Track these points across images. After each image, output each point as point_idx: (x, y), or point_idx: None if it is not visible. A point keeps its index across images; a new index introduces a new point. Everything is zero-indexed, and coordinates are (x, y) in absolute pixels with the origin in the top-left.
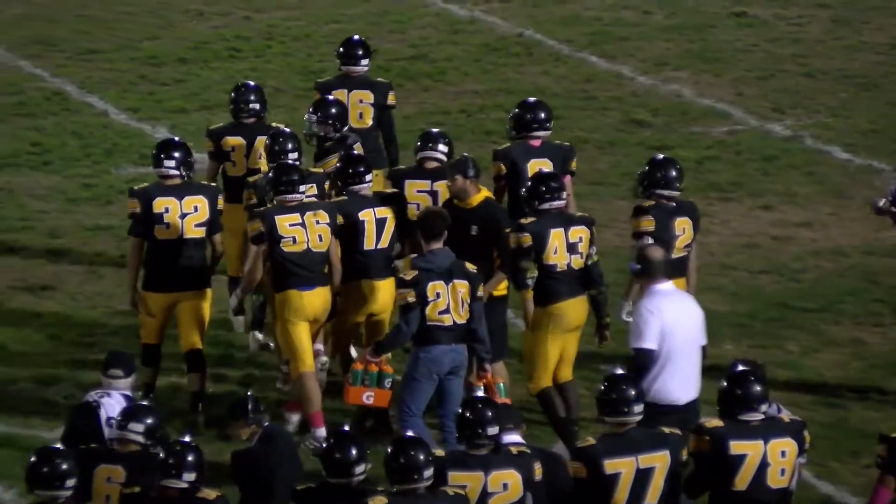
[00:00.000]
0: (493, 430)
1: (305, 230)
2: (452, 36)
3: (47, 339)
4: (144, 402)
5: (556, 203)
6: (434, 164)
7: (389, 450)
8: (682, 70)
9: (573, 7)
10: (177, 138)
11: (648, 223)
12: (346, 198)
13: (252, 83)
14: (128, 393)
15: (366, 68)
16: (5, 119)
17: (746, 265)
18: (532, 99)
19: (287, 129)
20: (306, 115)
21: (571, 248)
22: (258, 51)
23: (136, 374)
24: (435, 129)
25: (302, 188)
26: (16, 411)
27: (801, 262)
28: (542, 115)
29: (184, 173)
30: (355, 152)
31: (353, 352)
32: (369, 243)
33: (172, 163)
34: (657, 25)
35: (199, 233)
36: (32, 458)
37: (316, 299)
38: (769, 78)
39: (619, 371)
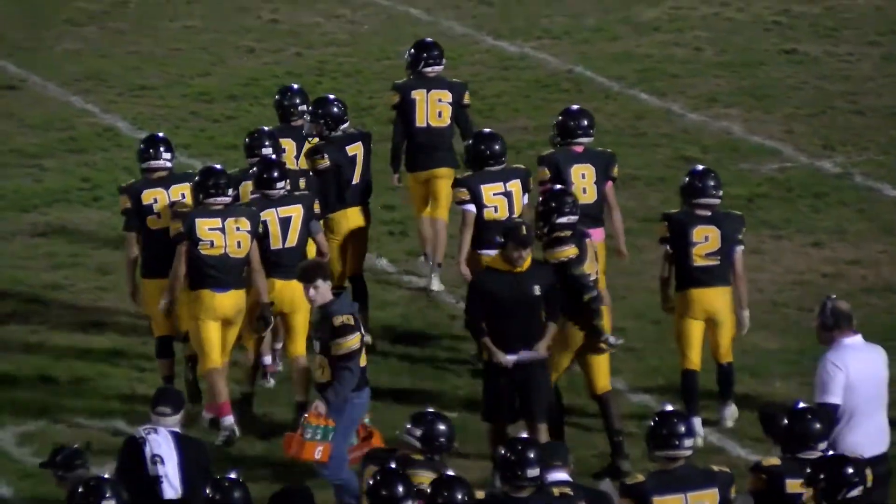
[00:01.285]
0: (533, 472)
1: (224, 235)
2: (503, 72)
3: (98, 375)
4: None
5: (572, 217)
6: (501, 166)
7: (432, 488)
8: (732, 107)
9: (624, 44)
10: (161, 133)
11: (664, 229)
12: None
13: (297, 86)
14: (176, 430)
15: (442, 68)
16: (56, 154)
17: (797, 302)
18: (575, 106)
19: (265, 129)
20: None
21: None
22: (309, 87)
23: (184, 410)
24: (487, 130)
25: (230, 192)
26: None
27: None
28: (585, 122)
29: (171, 166)
30: (272, 157)
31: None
32: (275, 243)
33: (168, 155)
34: (708, 62)
35: None
36: (79, 489)
37: (227, 301)
38: (819, 115)
39: (669, 407)
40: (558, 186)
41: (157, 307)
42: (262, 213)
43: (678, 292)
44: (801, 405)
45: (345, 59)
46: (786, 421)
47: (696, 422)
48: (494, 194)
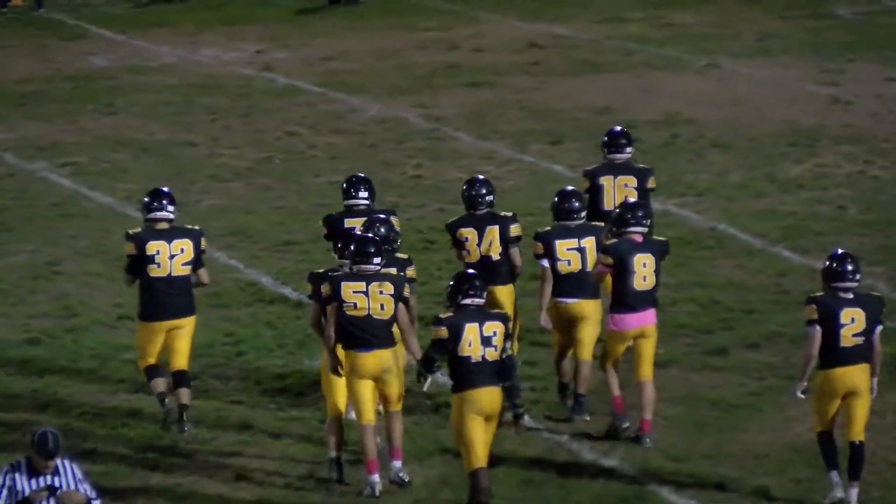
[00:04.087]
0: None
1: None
2: None
3: None
4: None
5: (477, 300)
6: (578, 222)
7: None
8: (877, 265)
9: (768, 201)
10: (166, 188)
11: (811, 311)
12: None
13: (482, 177)
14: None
15: (629, 155)
16: (200, 309)
17: None
18: (632, 200)
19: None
20: None
21: (486, 341)
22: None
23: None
24: (569, 188)
25: (171, 209)
26: None
27: None
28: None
29: (174, 218)
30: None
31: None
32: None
33: (172, 208)
34: (852, 220)
35: (186, 270)
36: None
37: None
38: None
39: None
40: (470, 271)
41: (144, 345)
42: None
43: (822, 370)
44: None
45: None
46: None
47: (835, 475)
48: (568, 249)
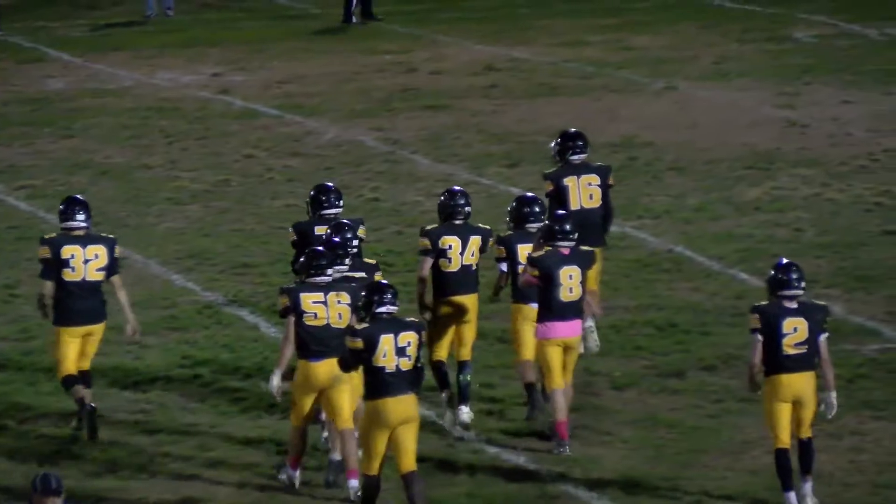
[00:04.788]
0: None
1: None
2: (604, 252)
3: None
4: None
5: (391, 309)
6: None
7: None
8: (833, 287)
9: (726, 224)
10: (80, 196)
11: (754, 320)
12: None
13: (460, 188)
14: None
15: (587, 155)
16: (158, 332)
17: None
18: (561, 211)
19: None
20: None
21: (400, 351)
22: (412, 264)
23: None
24: (530, 194)
25: (81, 217)
26: None
27: None
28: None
29: (89, 226)
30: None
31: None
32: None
33: (83, 216)
34: (809, 243)
35: (100, 276)
36: None
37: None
38: None
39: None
40: (383, 281)
41: (63, 351)
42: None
43: (767, 377)
44: None
45: None
46: None
47: (791, 496)
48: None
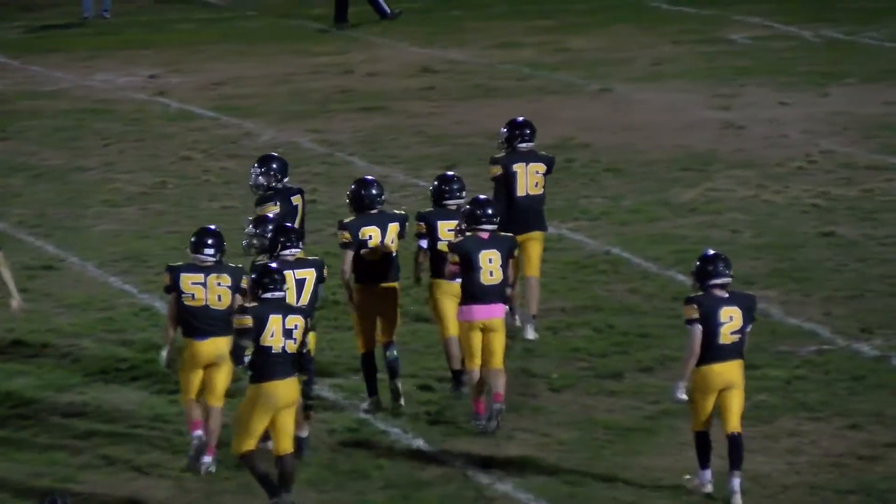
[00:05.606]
0: None
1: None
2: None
3: None
4: None
5: (277, 294)
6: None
7: None
8: (770, 289)
9: (662, 226)
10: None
11: (692, 311)
12: None
13: (371, 178)
14: None
15: (534, 144)
16: (95, 334)
17: (834, 485)
18: (483, 196)
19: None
20: (251, 169)
21: (287, 333)
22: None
23: None
24: (450, 173)
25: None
26: None
27: (889, 483)
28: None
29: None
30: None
31: None
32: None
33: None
34: (746, 244)
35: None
36: None
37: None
38: (858, 298)
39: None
40: (272, 265)
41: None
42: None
43: (698, 367)
44: None
45: None
46: None
47: (707, 474)
48: (449, 230)
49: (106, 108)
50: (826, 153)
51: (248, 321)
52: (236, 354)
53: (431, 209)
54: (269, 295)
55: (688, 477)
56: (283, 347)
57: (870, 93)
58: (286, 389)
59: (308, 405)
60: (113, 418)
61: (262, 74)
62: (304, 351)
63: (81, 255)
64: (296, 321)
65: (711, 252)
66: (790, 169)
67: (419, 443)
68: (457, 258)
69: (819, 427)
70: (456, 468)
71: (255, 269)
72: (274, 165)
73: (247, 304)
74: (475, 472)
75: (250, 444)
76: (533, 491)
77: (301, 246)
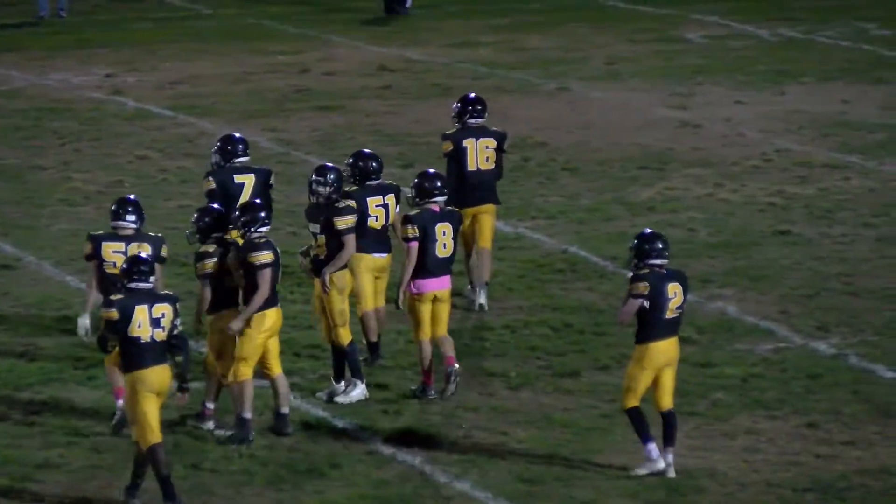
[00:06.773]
0: None
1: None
2: (497, 252)
3: None
4: None
5: (143, 285)
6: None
7: None
8: (726, 287)
9: (619, 224)
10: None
11: (644, 287)
12: None
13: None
14: None
15: (485, 119)
16: (52, 334)
17: (791, 483)
18: (431, 170)
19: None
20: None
21: (155, 322)
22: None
23: None
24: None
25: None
26: None
27: (846, 481)
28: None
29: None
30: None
31: None
32: None
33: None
34: (702, 243)
35: None
36: None
37: None
38: (814, 296)
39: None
40: (142, 254)
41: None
42: None
43: (642, 344)
44: None
45: None
46: None
47: (652, 447)
48: (377, 206)
49: (62, 108)
50: (782, 152)
51: (114, 314)
52: (102, 344)
53: (356, 188)
54: (134, 285)
55: (637, 470)
56: (152, 336)
57: (826, 91)
58: (158, 376)
59: (183, 387)
60: (70, 417)
61: (218, 73)
62: (175, 333)
63: (38, 255)
64: (163, 310)
65: (650, 231)
66: (746, 168)
67: (377, 442)
68: (416, 231)
69: (776, 425)
70: (414, 467)
71: (126, 260)
72: (225, 145)
73: (112, 297)
74: (433, 471)
75: (153, 436)
76: (491, 489)
77: (245, 229)
